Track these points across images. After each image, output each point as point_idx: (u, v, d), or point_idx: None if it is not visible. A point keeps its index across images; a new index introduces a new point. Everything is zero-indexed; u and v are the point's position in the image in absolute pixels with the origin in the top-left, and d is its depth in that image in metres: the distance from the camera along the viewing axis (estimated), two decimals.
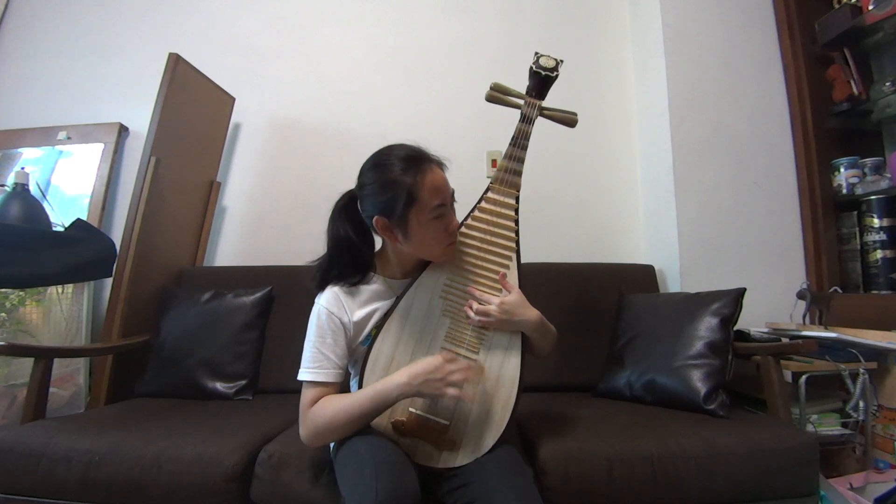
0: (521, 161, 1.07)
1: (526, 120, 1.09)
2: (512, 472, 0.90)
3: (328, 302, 0.99)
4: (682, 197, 1.78)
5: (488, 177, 2.05)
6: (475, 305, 0.99)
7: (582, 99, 2.10)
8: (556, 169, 2.07)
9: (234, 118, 2.06)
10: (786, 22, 1.86)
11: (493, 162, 2.04)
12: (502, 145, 2.20)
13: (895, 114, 1.69)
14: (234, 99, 2.03)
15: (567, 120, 1.14)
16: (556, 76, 1.11)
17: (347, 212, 1.02)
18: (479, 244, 1.04)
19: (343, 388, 1.02)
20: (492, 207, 1.05)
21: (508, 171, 1.06)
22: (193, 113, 1.84)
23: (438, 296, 1.01)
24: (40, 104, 2.13)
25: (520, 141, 1.08)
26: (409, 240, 0.97)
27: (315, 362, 0.96)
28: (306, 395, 0.95)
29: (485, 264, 1.03)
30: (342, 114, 2.08)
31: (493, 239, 1.04)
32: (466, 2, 2.13)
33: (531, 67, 1.11)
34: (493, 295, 1.00)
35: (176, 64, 1.69)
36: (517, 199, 1.06)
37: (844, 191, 1.75)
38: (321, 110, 2.10)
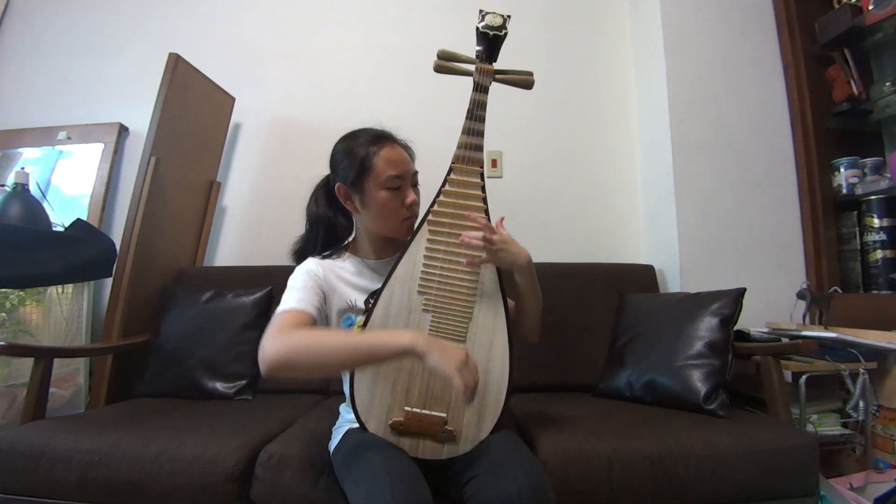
0: (481, 134, 1.01)
1: (480, 89, 1.02)
2: (513, 447, 0.91)
3: (310, 263, 1.04)
4: (682, 197, 1.78)
5: (489, 176, 2.04)
6: (477, 233, 0.95)
7: (582, 99, 2.11)
8: (555, 168, 2.07)
9: (234, 118, 2.06)
10: (786, 22, 1.86)
11: (493, 161, 2.04)
12: (502, 145, 2.21)
13: (895, 114, 1.69)
14: (234, 99, 2.03)
15: (523, 82, 1.06)
16: (506, 34, 1.03)
17: (325, 192, 1.09)
18: (449, 230, 0.99)
19: None
20: (457, 189, 1.01)
21: (469, 146, 1.01)
22: (193, 113, 1.84)
23: (416, 291, 0.98)
24: (40, 104, 2.13)
25: (475, 112, 1.01)
26: (365, 208, 1.01)
27: (293, 298, 0.95)
28: (285, 316, 0.91)
29: (458, 250, 0.99)
30: (342, 114, 2.07)
31: (464, 222, 0.99)
32: (466, 2, 2.12)
33: (477, 28, 1.03)
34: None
35: (176, 64, 1.69)
36: (482, 175, 1.01)
37: (844, 191, 1.75)
38: (321, 110, 2.10)
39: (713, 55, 1.87)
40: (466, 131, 1.02)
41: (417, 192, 1.05)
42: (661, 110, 1.86)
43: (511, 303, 1.09)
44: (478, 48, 1.05)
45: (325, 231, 1.08)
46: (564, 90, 2.10)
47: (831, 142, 1.80)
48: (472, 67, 1.05)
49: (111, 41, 2.17)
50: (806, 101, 1.81)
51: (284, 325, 0.88)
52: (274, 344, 0.84)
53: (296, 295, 0.97)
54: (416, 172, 1.05)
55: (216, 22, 2.16)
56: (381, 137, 1.03)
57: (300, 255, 1.09)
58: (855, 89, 1.75)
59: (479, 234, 0.96)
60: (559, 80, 2.10)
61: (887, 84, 1.67)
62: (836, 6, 1.79)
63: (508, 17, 1.04)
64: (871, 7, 1.64)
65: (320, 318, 0.98)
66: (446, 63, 1.07)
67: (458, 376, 0.79)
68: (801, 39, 1.83)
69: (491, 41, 1.04)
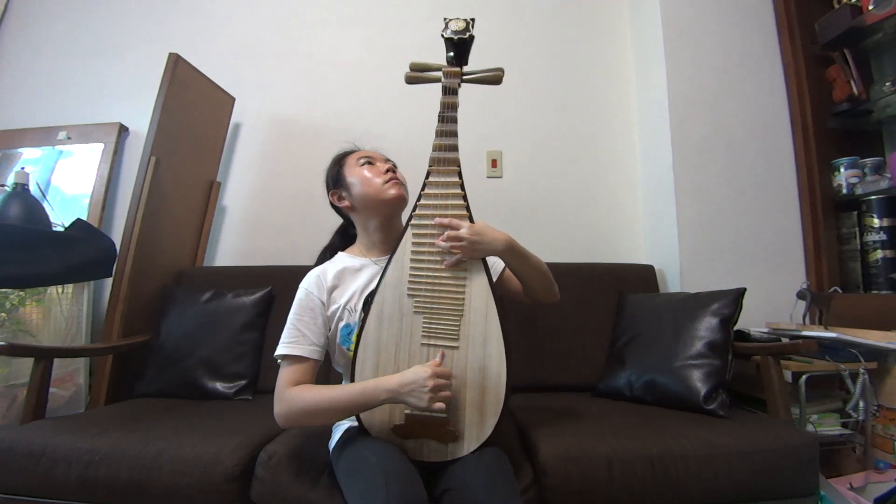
0: (454, 135, 1.04)
1: (448, 92, 1.06)
2: (493, 476, 0.88)
3: (309, 284, 1.07)
4: (682, 197, 1.78)
5: (489, 176, 2.05)
6: (445, 233, 0.99)
7: (582, 99, 2.11)
8: (555, 168, 2.07)
9: (234, 118, 2.06)
10: (786, 22, 1.86)
11: (493, 161, 2.04)
12: (502, 144, 2.21)
13: (895, 114, 1.69)
14: (234, 99, 2.03)
15: (492, 78, 1.10)
16: (471, 37, 1.06)
17: (339, 233, 1.23)
18: (432, 231, 1.01)
19: (321, 371, 1.04)
20: (436, 191, 1.03)
21: (443, 148, 1.04)
22: (193, 113, 1.84)
23: (406, 294, 0.99)
24: (40, 104, 2.13)
25: (447, 115, 1.05)
26: (351, 191, 1.10)
27: (291, 338, 1.00)
28: (284, 373, 0.98)
29: (442, 251, 1.00)
30: (342, 114, 2.08)
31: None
32: (466, 2, 2.13)
33: (443, 36, 1.07)
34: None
35: (176, 64, 1.69)
36: (459, 174, 1.03)
37: (844, 191, 1.75)
38: (321, 110, 2.10)
39: (713, 55, 1.87)
40: (439, 134, 1.05)
41: (400, 174, 1.13)
42: (661, 110, 1.86)
43: (514, 279, 1.12)
44: (448, 55, 1.09)
45: (330, 250, 1.19)
46: (564, 90, 2.10)
47: (831, 142, 1.80)
48: (439, 74, 1.09)
49: (111, 41, 2.17)
50: (806, 101, 1.81)
51: (284, 386, 0.97)
52: (278, 408, 0.96)
53: (291, 333, 1.01)
54: (388, 160, 1.15)
55: (216, 22, 2.16)
56: (349, 150, 1.17)
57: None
58: (855, 89, 1.75)
59: (453, 234, 0.98)
60: (559, 80, 2.10)
61: (887, 84, 1.67)
62: (836, 6, 1.79)
63: (472, 20, 1.08)
64: (871, 7, 1.64)
65: (319, 351, 1.02)
66: (416, 74, 1.12)
67: (437, 405, 0.88)
68: (801, 39, 1.83)
69: (458, 45, 1.08)
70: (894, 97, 1.65)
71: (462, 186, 1.03)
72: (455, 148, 1.04)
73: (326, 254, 1.19)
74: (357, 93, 2.10)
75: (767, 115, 1.86)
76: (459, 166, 1.04)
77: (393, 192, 1.07)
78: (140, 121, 1.91)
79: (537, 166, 2.07)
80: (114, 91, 2.12)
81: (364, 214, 1.11)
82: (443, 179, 1.03)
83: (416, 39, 2.10)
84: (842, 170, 1.76)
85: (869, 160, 1.72)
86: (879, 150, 1.80)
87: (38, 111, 2.11)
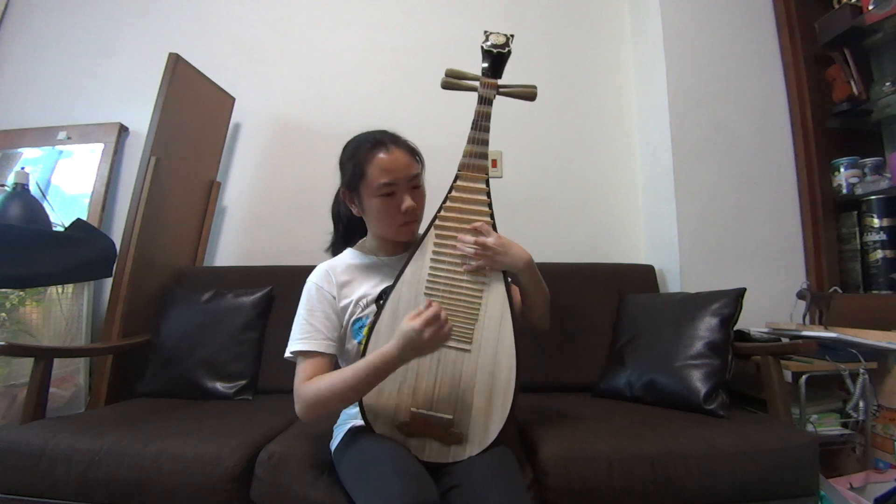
0: (486, 143, 1.06)
1: (484, 102, 1.08)
2: (505, 485, 0.87)
3: (318, 278, 1.06)
4: (682, 197, 1.78)
5: (489, 176, 2.05)
6: (471, 238, 1.00)
7: (582, 99, 2.11)
8: (556, 169, 2.07)
9: (234, 118, 2.06)
10: (786, 22, 1.86)
11: (493, 161, 2.04)
12: (502, 144, 2.21)
13: (895, 114, 1.69)
14: (234, 99, 2.03)
15: (526, 94, 1.13)
16: (509, 52, 1.09)
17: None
18: (454, 234, 1.02)
19: (336, 364, 1.03)
20: (462, 195, 1.04)
21: (474, 155, 1.05)
22: (193, 113, 1.84)
23: (423, 293, 1.00)
24: (40, 104, 2.13)
25: (480, 123, 1.07)
26: (364, 213, 1.06)
27: (305, 333, 1.00)
28: (300, 369, 0.98)
29: (464, 254, 1.02)
30: (342, 114, 2.08)
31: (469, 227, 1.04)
32: (467, 2, 2.13)
33: (482, 47, 1.10)
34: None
35: (176, 64, 1.69)
36: (487, 182, 1.05)
37: (844, 191, 1.75)
38: (321, 110, 2.10)
39: (713, 55, 1.87)
40: (472, 141, 1.06)
41: (420, 194, 1.05)
42: (661, 110, 1.86)
43: (517, 296, 1.10)
44: (483, 65, 1.11)
45: (344, 229, 1.16)
46: (564, 90, 2.10)
47: (831, 142, 1.80)
48: (476, 83, 1.10)
49: (111, 41, 2.17)
50: (806, 101, 1.81)
51: (300, 383, 0.96)
52: (300, 407, 0.95)
53: (303, 329, 1.00)
54: (415, 175, 1.03)
55: (216, 22, 2.16)
56: (378, 143, 1.02)
57: (331, 252, 1.17)
58: (855, 89, 1.75)
59: (472, 239, 0.99)
60: (559, 81, 2.10)
61: (887, 84, 1.67)
62: (836, 6, 1.79)
63: (511, 35, 1.10)
64: (871, 7, 1.64)
65: (333, 345, 1.01)
66: (453, 80, 1.13)
67: (437, 346, 0.89)
68: (801, 39, 1.83)
69: (495, 58, 1.10)
70: (894, 97, 1.65)
71: (489, 194, 1.04)
72: (485, 156, 1.05)
73: (338, 222, 1.18)
74: (357, 93, 2.10)
75: (767, 115, 1.86)
76: (488, 174, 1.05)
77: (404, 238, 1.07)
78: (140, 121, 1.90)
79: (537, 166, 2.07)
80: (114, 91, 2.12)
81: (373, 228, 1.10)
82: (471, 185, 1.05)
83: (416, 40, 2.11)
84: (842, 170, 1.76)
85: (869, 160, 1.72)
86: (879, 150, 1.80)
87: (38, 111, 2.10)
